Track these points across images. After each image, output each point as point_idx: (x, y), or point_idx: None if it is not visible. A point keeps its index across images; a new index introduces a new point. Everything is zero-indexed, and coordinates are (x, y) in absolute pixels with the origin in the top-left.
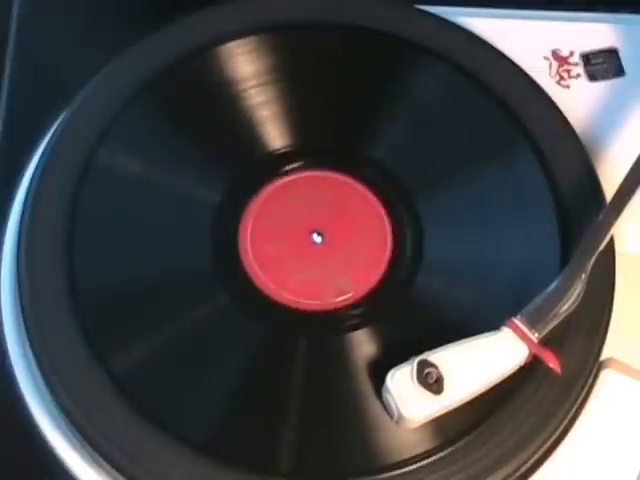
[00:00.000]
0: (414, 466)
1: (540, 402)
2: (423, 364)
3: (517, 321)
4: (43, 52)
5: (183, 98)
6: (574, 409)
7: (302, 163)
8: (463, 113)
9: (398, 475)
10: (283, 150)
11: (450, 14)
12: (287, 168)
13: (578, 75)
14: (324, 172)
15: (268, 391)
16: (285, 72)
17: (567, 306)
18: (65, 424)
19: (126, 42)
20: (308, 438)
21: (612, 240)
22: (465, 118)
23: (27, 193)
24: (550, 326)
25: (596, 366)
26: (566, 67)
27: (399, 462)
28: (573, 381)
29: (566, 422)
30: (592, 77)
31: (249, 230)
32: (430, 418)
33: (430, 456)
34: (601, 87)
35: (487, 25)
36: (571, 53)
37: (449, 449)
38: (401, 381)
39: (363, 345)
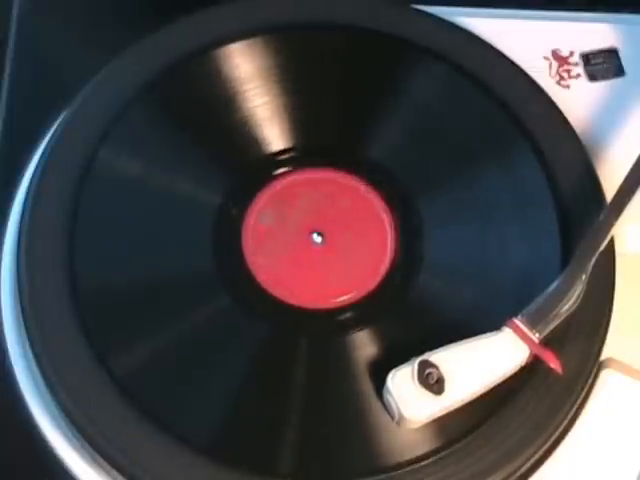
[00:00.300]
0: (415, 466)
1: (540, 402)
2: (424, 364)
3: (518, 321)
4: (43, 52)
5: (183, 98)
6: (574, 409)
7: (302, 163)
8: (463, 113)
9: (399, 475)
10: (284, 151)
11: (449, 14)
12: (287, 169)
13: (578, 75)
14: (324, 172)
15: (269, 391)
16: (285, 73)
17: (568, 306)
18: (65, 424)
19: (126, 42)
20: (309, 438)
21: (612, 240)
22: (465, 118)
23: (27, 193)
24: (551, 326)
25: (596, 366)
26: (566, 67)
27: (400, 463)
28: (573, 381)
29: (566, 422)
30: (592, 77)
31: (250, 231)
32: (431, 419)
33: (431, 456)
34: (601, 87)
35: (487, 25)
36: (571, 53)
37: (450, 450)
38: (402, 381)
39: (364, 346)
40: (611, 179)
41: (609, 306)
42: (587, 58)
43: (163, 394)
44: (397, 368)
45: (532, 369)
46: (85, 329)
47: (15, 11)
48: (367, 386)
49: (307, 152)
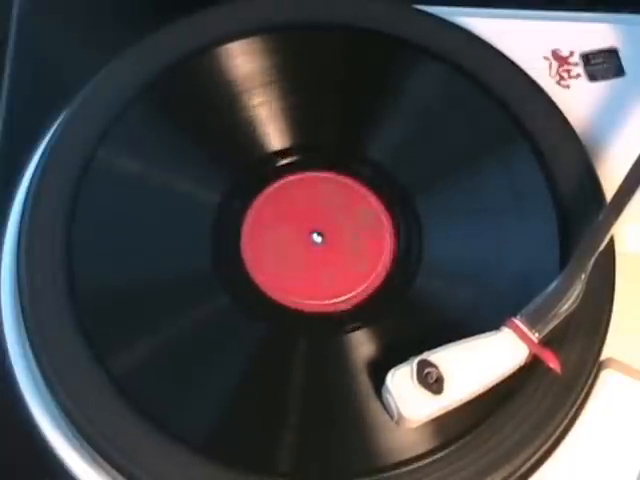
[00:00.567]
0: (414, 466)
1: (540, 402)
2: (423, 364)
3: (517, 321)
4: (43, 52)
5: (183, 98)
6: (574, 409)
7: (302, 163)
8: (463, 113)
9: (398, 475)
10: (283, 150)
11: (450, 14)
12: (287, 169)
13: (578, 75)
14: (324, 172)
15: (268, 391)
16: (285, 73)
17: (567, 306)
18: (65, 424)
19: (126, 42)
20: (308, 438)
21: (612, 240)
22: (465, 118)
23: (27, 193)
24: (550, 326)
25: (596, 366)
26: (566, 67)
27: (399, 462)
28: (573, 381)
29: (566, 422)
30: (592, 77)
31: (249, 230)
32: (430, 418)
33: (430, 456)
34: (601, 87)
35: (487, 25)
36: (571, 53)
37: (449, 449)
38: (401, 381)
39: (363, 345)
40: (611, 179)
41: (609, 306)
42: (587, 58)
43: (161, 394)
44: (396, 367)
45: (531, 369)
46: (84, 329)
47: (15, 11)
48: (366, 385)
49: (307, 152)
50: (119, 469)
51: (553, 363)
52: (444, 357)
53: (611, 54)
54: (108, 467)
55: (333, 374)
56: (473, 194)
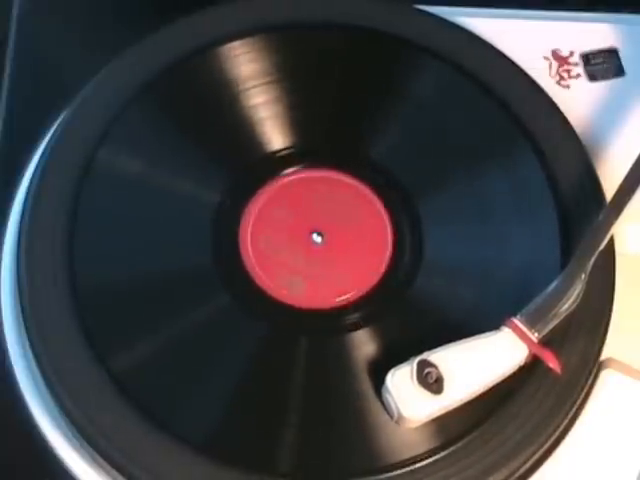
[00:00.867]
0: (414, 466)
1: (540, 402)
2: (423, 364)
3: (517, 321)
4: (43, 52)
5: (183, 98)
6: (574, 409)
7: (302, 163)
8: (463, 113)
9: (398, 475)
10: (283, 150)
11: (450, 14)
12: (287, 168)
13: (578, 75)
14: (324, 172)
15: (268, 390)
16: (285, 72)
17: (567, 306)
18: (65, 424)
19: (126, 42)
20: (308, 438)
21: (612, 240)
22: (465, 118)
23: (27, 193)
24: (550, 326)
25: (596, 366)
26: (566, 67)
27: (399, 462)
28: (573, 381)
29: (566, 422)
30: (592, 77)
31: (249, 230)
32: (430, 418)
33: (430, 456)
34: (601, 87)
35: (487, 25)
36: (571, 53)
37: (449, 449)
38: (401, 381)
39: (363, 345)
40: (611, 179)
41: (609, 306)
42: (587, 58)
43: (162, 393)
44: (396, 367)
45: (531, 369)
46: (84, 329)
47: (15, 11)
48: (366, 385)
49: (307, 152)
50: (119, 469)
51: (553, 363)
52: (444, 357)
53: (611, 54)
54: (108, 467)
55: (333, 374)
56: (473, 194)
